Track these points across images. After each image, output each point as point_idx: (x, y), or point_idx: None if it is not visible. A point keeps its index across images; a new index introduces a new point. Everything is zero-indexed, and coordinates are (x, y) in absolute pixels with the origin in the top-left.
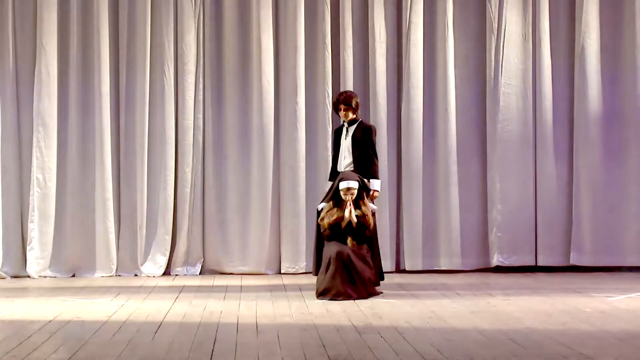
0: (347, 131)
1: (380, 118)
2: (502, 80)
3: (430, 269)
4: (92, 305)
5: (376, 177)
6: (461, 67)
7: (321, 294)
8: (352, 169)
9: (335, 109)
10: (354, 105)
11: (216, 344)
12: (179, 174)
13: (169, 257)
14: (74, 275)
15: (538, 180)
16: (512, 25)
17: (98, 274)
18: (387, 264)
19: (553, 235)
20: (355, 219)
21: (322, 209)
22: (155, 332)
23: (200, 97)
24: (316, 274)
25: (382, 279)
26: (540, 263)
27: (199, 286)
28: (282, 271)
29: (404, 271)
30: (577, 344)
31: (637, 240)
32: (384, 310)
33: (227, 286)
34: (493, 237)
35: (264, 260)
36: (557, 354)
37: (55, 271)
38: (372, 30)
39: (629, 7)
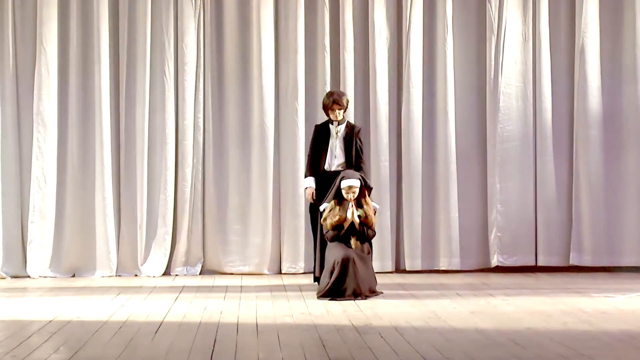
0: (336, 131)
1: (380, 118)
2: (502, 80)
3: (430, 269)
4: (92, 305)
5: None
6: (461, 68)
7: (324, 295)
8: (344, 169)
9: (327, 108)
10: (346, 105)
11: (216, 344)
12: (179, 174)
13: (169, 257)
14: (74, 275)
15: (538, 180)
16: (512, 25)
17: (98, 274)
18: (387, 263)
19: (553, 236)
20: (357, 220)
21: (324, 209)
22: (155, 332)
23: (201, 97)
24: (319, 274)
25: None
26: (540, 263)
27: (199, 286)
28: (282, 271)
29: (404, 271)
30: (578, 344)
31: (637, 241)
32: (384, 310)
33: (227, 286)
34: (493, 237)
35: (264, 260)
36: (557, 354)
37: (55, 271)
38: (372, 30)
39: (629, 7)
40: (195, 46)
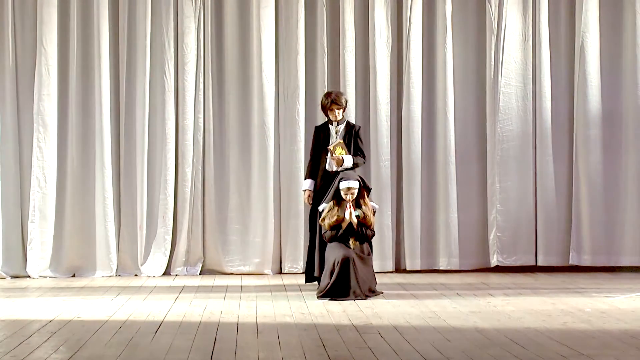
0: (336, 130)
1: (380, 118)
2: (502, 80)
3: (430, 268)
4: (92, 305)
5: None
6: (461, 67)
7: (324, 295)
8: (346, 168)
9: (326, 109)
10: (345, 105)
11: (216, 344)
12: (179, 174)
13: (169, 257)
14: (74, 275)
15: (538, 180)
16: (512, 25)
17: (98, 274)
18: (387, 263)
19: (553, 235)
20: (355, 220)
21: (323, 209)
22: (156, 332)
23: (201, 97)
24: (319, 274)
25: None
26: (540, 263)
27: (199, 286)
28: (283, 271)
29: (404, 271)
30: (577, 344)
31: (637, 240)
32: (384, 310)
33: (227, 286)
34: (493, 237)
35: (264, 260)
36: (557, 354)
37: (55, 271)
38: (372, 30)
39: (629, 6)
40: (195, 46)
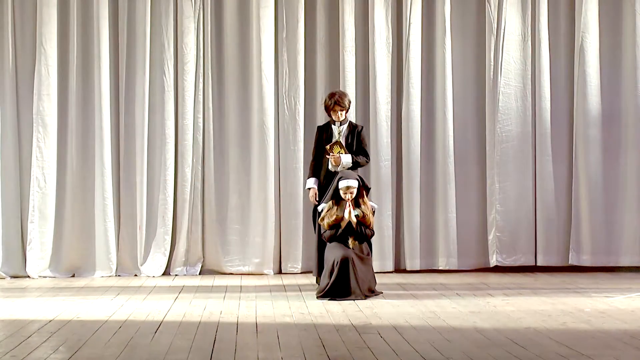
0: (339, 130)
1: (380, 118)
2: (502, 80)
3: (430, 268)
4: (91, 305)
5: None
6: (460, 68)
7: (324, 295)
8: (347, 168)
9: (328, 109)
10: (348, 106)
11: (216, 344)
12: (179, 174)
13: (169, 257)
14: (73, 275)
15: (537, 180)
16: (511, 25)
17: (98, 274)
18: (387, 263)
19: (552, 235)
20: (354, 219)
21: (322, 209)
22: (155, 332)
23: (200, 97)
24: (318, 275)
25: None
26: (540, 263)
27: (198, 286)
28: (282, 271)
29: (404, 271)
30: (577, 344)
31: (636, 240)
32: (383, 310)
33: (226, 286)
34: (492, 237)
35: (263, 260)
36: (557, 354)
37: (55, 271)
38: (372, 30)
39: (628, 7)
40: (195, 46)
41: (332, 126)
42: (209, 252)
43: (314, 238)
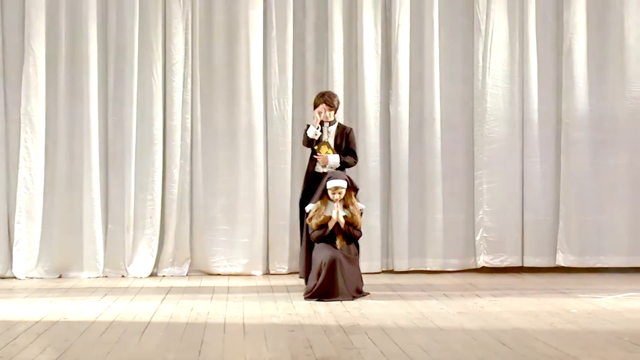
0: (328, 132)
1: (368, 119)
2: (489, 81)
3: (418, 269)
4: (79, 306)
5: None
6: (449, 69)
7: (311, 296)
8: (335, 168)
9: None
10: (336, 106)
11: (203, 345)
12: (167, 175)
13: (156, 257)
14: (60, 276)
15: (525, 181)
16: (499, 27)
17: (85, 275)
18: (375, 264)
19: (539, 236)
20: (342, 220)
21: (310, 209)
22: (142, 333)
23: (189, 97)
24: (305, 276)
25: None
26: (527, 264)
27: (186, 287)
28: (270, 272)
29: (392, 272)
30: (564, 344)
31: (624, 241)
32: (371, 310)
33: (214, 287)
34: (480, 237)
35: (251, 261)
36: (544, 354)
37: (42, 272)
38: (361, 31)
39: (616, 8)
40: (183, 47)
41: (322, 126)
42: (197, 253)
43: (301, 239)
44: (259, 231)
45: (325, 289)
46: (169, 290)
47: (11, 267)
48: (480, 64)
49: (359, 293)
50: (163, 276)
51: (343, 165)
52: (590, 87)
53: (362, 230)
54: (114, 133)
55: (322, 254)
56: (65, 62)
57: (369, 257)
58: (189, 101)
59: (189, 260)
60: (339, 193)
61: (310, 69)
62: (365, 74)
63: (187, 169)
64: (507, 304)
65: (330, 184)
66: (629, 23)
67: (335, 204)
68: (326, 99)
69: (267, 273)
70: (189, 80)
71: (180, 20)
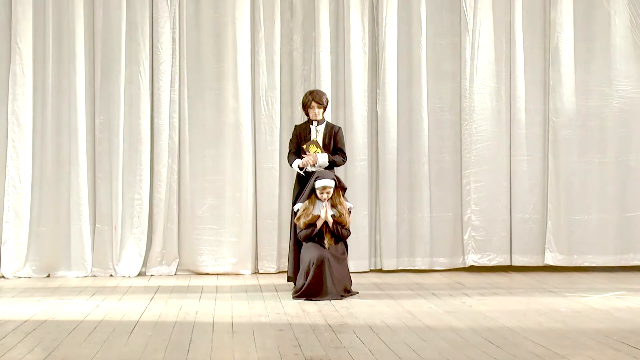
0: (316, 130)
1: (355, 118)
2: (477, 80)
3: (406, 268)
4: (67, 305)
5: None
6: (436, 68)
7: (300, 296)
8: (323, 167)
9: (306, 107)
10: (325, 104)
11: (191, 344)
12: (155, 174)
13: (145, 257)
14: (48, 276)
15: (513, 180)
16: (486, 25)
17: (73, 274)
18: (363, 263)
19: (527, 235)
20: (331, 219)
21: (298, 209)
22: (131, 332)
23: (176, 96)
24: (294, 275)
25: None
26: (515, 263)
27: (174, 286)
28: (258, 271)
29: (380, 271)
30: (552, 343)
31: (612, 240)
32: (359, 310)
33: (202, 286)
34: (468, 236)
35: (239, 260)
36: (532, 353)
37: (30, 271)
38: (348, 30)
39: (603, 6)
40: (171, 46)
41: (310, 126)
42: (185, 252)
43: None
44: (247, 230)
45: (313, 288)
46: (157, 290)
47: None
48: (468, 63)
49: (347, 292)
50: (151, 275)
51: (331, 165)
52: (577, 85)
53: (350, 229)
54: (101, 132)
55: (310, 253)
56: (53, 61)
57: (357, 256)
58: (177, 100)
59: (177, 260)
60: (327, 192)
61: (298, 68)
62: (353, 72)
63: (175, 168)
64: (495, 303)
65: (318, 184)
66: (616, 21)
67: (324, 203)
68: (315, 97)
69: (255, 272)
70: (177, 79)
71: (167, 19)
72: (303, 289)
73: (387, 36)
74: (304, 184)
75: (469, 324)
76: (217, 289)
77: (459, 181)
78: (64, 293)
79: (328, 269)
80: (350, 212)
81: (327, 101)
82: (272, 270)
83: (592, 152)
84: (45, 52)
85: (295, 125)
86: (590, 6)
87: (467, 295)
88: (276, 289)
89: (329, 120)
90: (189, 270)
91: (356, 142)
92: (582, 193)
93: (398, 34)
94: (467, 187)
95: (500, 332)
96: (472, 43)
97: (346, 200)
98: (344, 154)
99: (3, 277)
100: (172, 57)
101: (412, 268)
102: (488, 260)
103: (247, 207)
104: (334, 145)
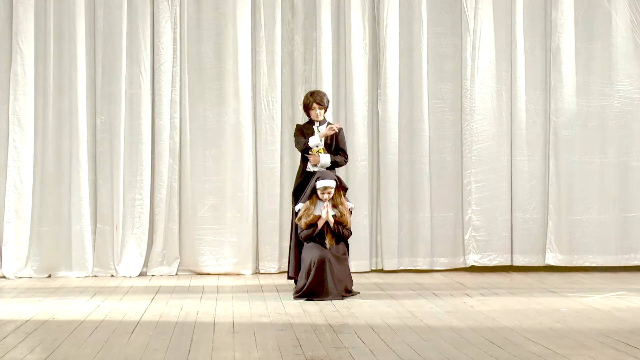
0: (319, 131)
1: (356, 118)
2: (478, 80)
3: (407, 268)
4: (68, 305)
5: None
6: (437, 68)
7: (301, 296)
8: (325, 167)
9: (307, 108)
10: (326, 105)
11: (192, 344)
12: (155, 174)
13: (146, 257)
14: (49, 276)
15: (513, 180)
16: (487, 26)
17: (74, 274)
18: (364, 263)
19: (528, 235)
20: (332, 220)
21: (299, 209)
22: (132, 332)
23: (177, 96)
24: (295, 275)
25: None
26: (516, 263)
27: (175, 286)
28: (259, 271)
29: (381, 271)
30: (553, 343)
31: (612, 240)
32: (360, 310)
33: (203, 286)
34: (468, 236)
35: (240, 260)
36: (533, 353)
37: (31, 271)
38: (349, 30)
39: (604, 7)
40: (172, 46)
41: (312, 126)
42: (186, 252)
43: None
44: (248, 230)
45: (314, 288)
46: (158, 290)
47: (0, 267)
48: (469, 63)
49: (348, 292)
50: (152, 275)
51: (333, 165)
52: (578, 85)
53: (352, 229)
54: (102, 132)
55: (311, 253)
56: (54, 62)
57: (358, 257)
58: (178, 100)
59: (178, 260)
60: (328, 193)
61: (299, 68)
62: (354, 73)
63: (176, 168)
64: (496, 303)
65: (319, 184)
66: (617, 21)
67: (325, 204)
68: (316, 97)
69: (256, 272)
70: (177, 80)
71: (168, 19)
72: (304, 289)
73: (388, 36)
74: (305, 179)
75: (470, 324)
76: (218, 289)
77: (459, 181)
78: (65, 293)
79: (329, 269)
80: (351, 212)
81: (328, 102)
82: (273, 271)
83: (593, 152)
84: (46, 53)
85: (298, 124)
86: (591, 6)
87: (468, 295)
88: (277, 289)
89: (330, 121)
90: (189, 271)
91: (357, 142)
92: (583, 193)
93: (399, 34)
94: (468, 187)
95: (501, 332)
96: (473, 43)
97: (347, 201)
98: (345, 154)
99: (4, 277)
100: (173, 57)
101: (413, 268)
102: (489, 260)
103: (247, 207)
104: (335, 146)
